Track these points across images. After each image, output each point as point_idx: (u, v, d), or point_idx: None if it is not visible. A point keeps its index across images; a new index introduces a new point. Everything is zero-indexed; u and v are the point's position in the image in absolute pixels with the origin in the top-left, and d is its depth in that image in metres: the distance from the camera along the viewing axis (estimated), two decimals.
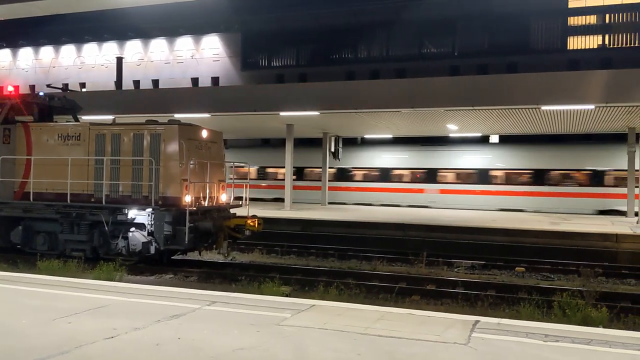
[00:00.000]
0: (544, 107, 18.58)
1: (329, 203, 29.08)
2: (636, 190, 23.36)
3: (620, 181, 25.53)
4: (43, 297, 8.00)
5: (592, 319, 9.24)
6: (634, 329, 8.70)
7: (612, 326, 9.24)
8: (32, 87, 45.40)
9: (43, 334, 6.08)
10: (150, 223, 13.43)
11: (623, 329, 8.31)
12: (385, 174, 30.80)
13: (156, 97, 25.45)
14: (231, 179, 16.07)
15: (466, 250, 17.53)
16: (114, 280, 10.96)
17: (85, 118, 19.85)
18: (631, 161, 23.64)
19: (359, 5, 38.51)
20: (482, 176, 28.95)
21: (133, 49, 44.77)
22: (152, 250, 13.69)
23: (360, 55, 39.35)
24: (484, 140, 30.90)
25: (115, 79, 37.18)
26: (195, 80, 42.66)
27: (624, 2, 34.08)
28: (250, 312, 7.25)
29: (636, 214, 22.21)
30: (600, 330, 7.06)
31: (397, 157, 30.98)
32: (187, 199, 13.24)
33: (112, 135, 14.12)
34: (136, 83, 44.00)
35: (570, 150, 28.17)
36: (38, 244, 14.81)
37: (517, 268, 15.34)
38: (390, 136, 30.53)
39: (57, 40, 47.20)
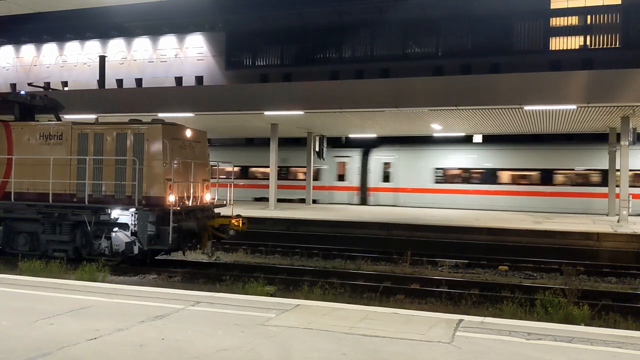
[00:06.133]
0: (526, 107, 18.75)
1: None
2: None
3: None
4: (24, 299, 7.92)
5: (574, 317, 9.34)
6: (614, 327, 8.82)
7: (594, 324, 9.35)
8: (13, 86, 44.87)
9: (24, 336, 6.01)
10: (133, 223, 13.33)
11: (604, 327, 8.41)
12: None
13: (139, 96, 25.27)
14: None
15: (450, 249, 17.64)
16: (97, 281, 10.87)
17: (68, 117, 19.67)
18: (612, 161, 23.97)
19: (344, 5, 38.61)
20: None
21: (116, 47, 44.42)
22: (136, 250, 13.58)
23: (345, 55, 39.45)
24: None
25: (97, 78, 36.87)
26: (179, 80, 42.45)
27: (605, 4, 34.55)
28: (234, 312, 7.23)
29: (617, 214, 22.48)
30: (581, 328, 7.13)
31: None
32: (171, 198, 13.16)
33: (94, 135, 13.97)
34: (119, 82, 43.67)
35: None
36: (19, 245, 14.61)
37: (500, 267, 15.46)
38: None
39: (38, 39, 46.68)
